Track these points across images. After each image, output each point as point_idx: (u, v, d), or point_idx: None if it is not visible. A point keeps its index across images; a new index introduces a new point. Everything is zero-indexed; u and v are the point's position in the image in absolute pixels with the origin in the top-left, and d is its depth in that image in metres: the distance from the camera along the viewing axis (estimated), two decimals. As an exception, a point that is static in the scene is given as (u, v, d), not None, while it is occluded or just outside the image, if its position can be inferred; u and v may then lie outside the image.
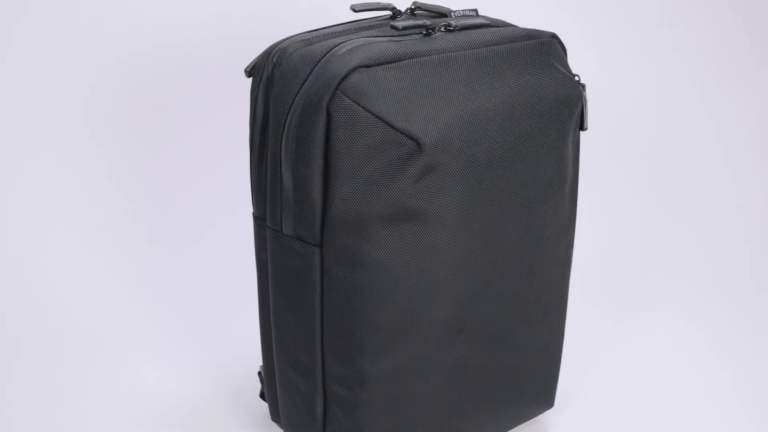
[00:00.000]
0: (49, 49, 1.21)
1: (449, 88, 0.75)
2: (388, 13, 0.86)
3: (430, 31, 0.78)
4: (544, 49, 0.82)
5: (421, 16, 0.84)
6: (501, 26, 0.84)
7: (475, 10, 0.85)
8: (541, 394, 0.91)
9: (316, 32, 0.81)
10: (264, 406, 0.96)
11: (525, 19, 1.10)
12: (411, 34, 0.79)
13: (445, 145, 0.73)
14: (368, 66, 0.73)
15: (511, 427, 0.91)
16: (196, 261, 1.24)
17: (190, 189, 1.27)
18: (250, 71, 0.81)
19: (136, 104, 1.24)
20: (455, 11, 0.84)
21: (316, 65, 0.75)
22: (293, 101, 0.75)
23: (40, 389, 1.00)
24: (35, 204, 1.23)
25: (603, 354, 1.09)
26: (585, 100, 0.84)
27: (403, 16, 0.84)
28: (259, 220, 0.82)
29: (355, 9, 0.82)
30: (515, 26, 0.84)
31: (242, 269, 1.12)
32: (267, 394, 0.89)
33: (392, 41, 0.76)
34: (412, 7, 0.85)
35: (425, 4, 0.84)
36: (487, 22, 0.82)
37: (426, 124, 0.72)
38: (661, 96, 1.45)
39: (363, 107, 0.71)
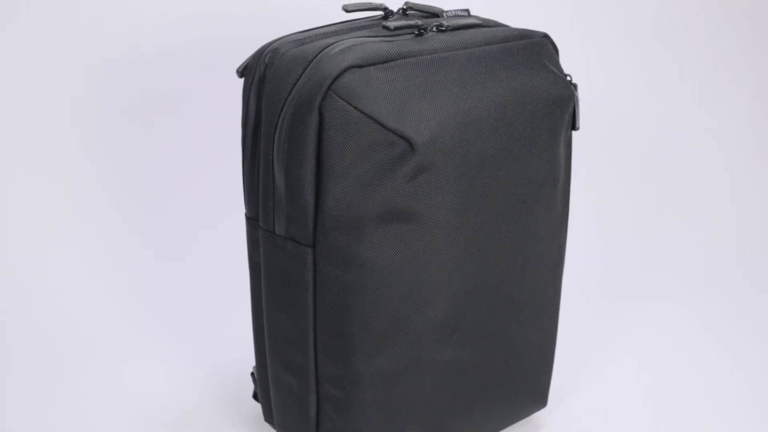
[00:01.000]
0: (40, 50, 1.20)
1: (441, 88, 0.75)
2: (380, 13, 0.86)
3: (422, 31, 0.78)
4: (536, 49, 0.82)
5: (413, 17, 0.84)
6: (493, 26, 0.84)
7: (467, 11, 0.85)
8: (534, 393, 0.91)
9: (308, 32, 0.81)
10: (257, 407, 0.96)
11: (517, 19, 1.11)
12: (403, 34, 0.79)
13: (438, 145, 0.73)
14: (360, 66, 0.73)
15: (505, 426, 0.91)
16: (189, 262, 1.23)
17: (182, 190, 1.27)
18: (242, 71, 0.81)
19: (129, 105, 1.24)
20: (447, 11, 0.84)
21: (308, 65, 0.75)
22: (285, 101, 0.75)
23: (34, 390, 1.00)
24: (26, 206, 1.22)
25: (596, 353, 1.09)
26: (577, 100, 0.84)
27: (395, 16, 0.84)
28: (251, 220, 0.82)
29: (347, 9, 0.82)
30: (507, 26, 0.84)
31: (235, 270, 1.12)
32: (260, 394, 0.89)
33: (384, 41, 0.76)
34: (404, 7, 0.85)
35: (417, 5, 0.84)
36: (479, 22, 0.82)
37: (418, 124, 0.73)
38: (653, 95, 1.45)
39: (355, 107, 0.71)
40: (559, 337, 0.98)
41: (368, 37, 0.78)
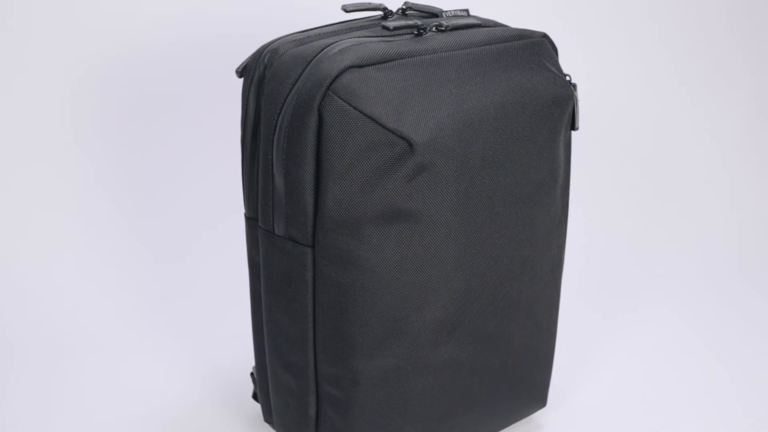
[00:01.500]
0: (40, 49, 1.20)
1: (441, 88, 0.75)
2: (379, 13, 0.86)
3: (421, 31, 0.78)
4: (536, 49, 0.82)
5: (413, 17, 0.84)
6: (492, 26, 0.84)
7: (466, 11, 0.85)
8: (533, 393, 0.91)
9: (307, 32, 0.81)
10: (257, 407, 0.96)
11: (516, 19, 1.11)
12: (402, 34, 0.79)
13: (437, 145, 0.73)
14: (360, 66, 0.73)
15: (504, 426, 0.91)
16: (189, 262, 1.23)
17: (182, 190, 1.27)
18: (242, 72, 0.81)
19: (128, 105, 1.24)
20: (446, 11, 0.84)
21: (308, 66, 0.75)
22: (285, 102, 0.75)
23: (33, 390, 1.00)
24: (26, 206, 1.22)
25: (595, 353, 1.09)
26: (576, 100, 0.84)
27: (395, 16, 0.84)
28: (251, 220, 0.82)
29: (346, 9, 0.82)
30: (506, 26, 0.84)
31: (234, 270, 1.12)
32: (260, 394, 0.89)
33: (383, 41, 0.76)
34: (404, 7, 0.85)
35: (416, 5, 0.84)
36: (478, 22, 0.82)
37: (417, 124, 0.73)
38: (653, 95, 1.45)
39: (354, 108, 0.71)
40: (558, 337, 0.99)
41: (367, 37, 0.78)
